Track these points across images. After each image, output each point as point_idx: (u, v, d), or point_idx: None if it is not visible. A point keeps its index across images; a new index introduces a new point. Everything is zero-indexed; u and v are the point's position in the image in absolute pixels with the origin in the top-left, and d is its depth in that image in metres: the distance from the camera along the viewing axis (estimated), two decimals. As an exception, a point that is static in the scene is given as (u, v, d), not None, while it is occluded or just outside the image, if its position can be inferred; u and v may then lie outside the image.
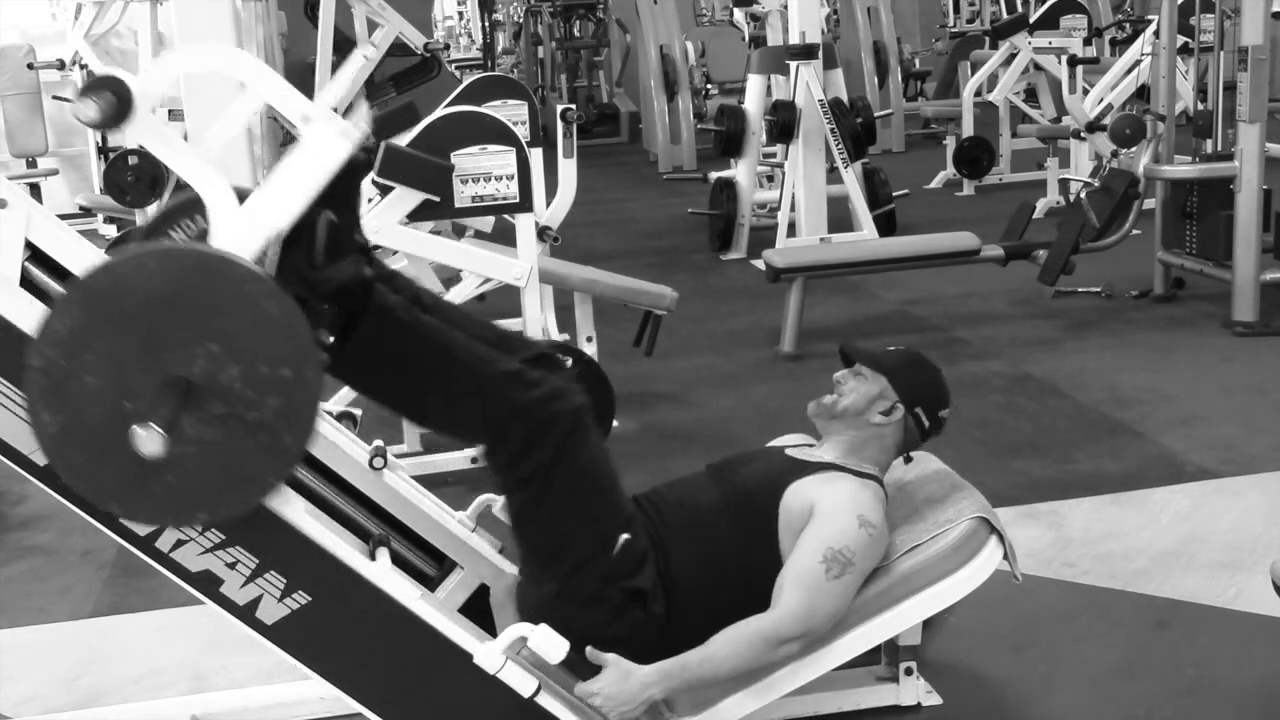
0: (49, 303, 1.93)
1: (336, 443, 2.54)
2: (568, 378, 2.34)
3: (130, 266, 1.80)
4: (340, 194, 2.00)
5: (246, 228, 1.89)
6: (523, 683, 2.13)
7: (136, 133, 1.85)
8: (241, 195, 1.94)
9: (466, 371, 2.20)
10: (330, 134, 1.90)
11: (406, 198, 3.74)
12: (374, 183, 3.79)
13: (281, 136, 7.35)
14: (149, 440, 1.73)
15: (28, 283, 2.03)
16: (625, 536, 2.31)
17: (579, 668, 2.25)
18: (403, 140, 3.87)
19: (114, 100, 1.80)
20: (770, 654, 2.28)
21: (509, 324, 2.95)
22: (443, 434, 2.26)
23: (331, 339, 2.14)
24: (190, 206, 2.14)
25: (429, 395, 2.23)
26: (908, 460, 2.65)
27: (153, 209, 5.75)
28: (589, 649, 2.24)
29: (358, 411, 3.84)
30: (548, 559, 2.31)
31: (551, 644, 2.11)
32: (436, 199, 3.76)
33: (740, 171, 7.67)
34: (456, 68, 15.17)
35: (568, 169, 5.08)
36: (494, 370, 2.22)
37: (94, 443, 1.83)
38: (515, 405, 2.19)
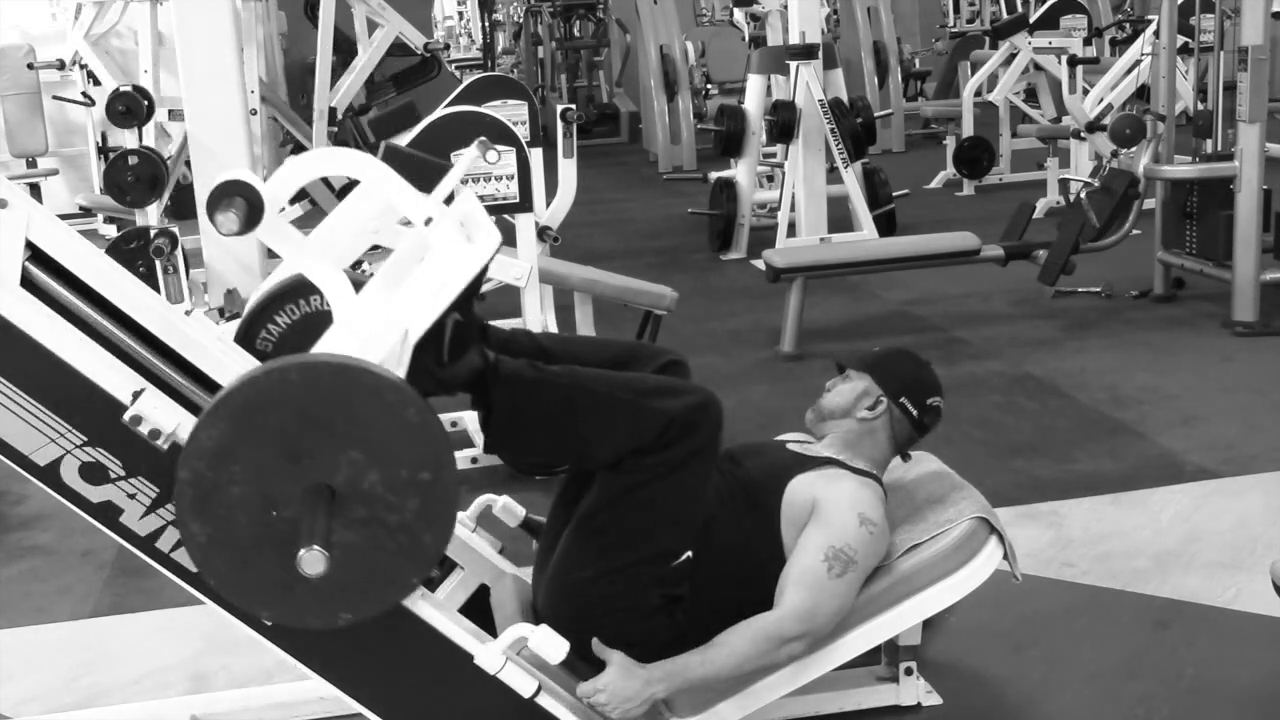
0: (129, 362, 1.96)
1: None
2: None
3: (274, 379, 1.84)
4: (465, 292, 2.03)
5: (379, 334, 1.93)
6: (523, 683, 2.13)
7: (265, 235, 1.90)
8: (356, 284, 1.98)
9: (611, 402, 2.22)
10: (464, 244, 1.96)
11: (407, 198, 3.74)
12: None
13: (281, 137, 7.36)
14: (313, 561, 1.76)
15: (28, 283, 2.03)
16: (689, 555, 2.32)
17: (579, 668, 2.26)
18: (403, 140, 3.87)
19: (246, 207, 1.85)
20: (774, 653, 2.28)
21: (509, 324, 2.96)
22: (610, 466, 2.27)
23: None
24: (292, 293, 2.20)
25: (585, 438, 2.24)
26: (906, 459, 2.66)
27: (153, 209, 5.75)
28: (595, 641, 2.24)
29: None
30: (619, 544, 2.29)
31: (552, 644, 2.11)
32: (436, 198, 3.75)
33: (740, 171, 7.67)
34: (456, 68, 15.16)
35: (568, 169, 5.08)
36: (638, 389, 2.25)
37: (241, 550, 1.87)
38: (667, 414, 2.21)
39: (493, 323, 2.47)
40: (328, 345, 1.93)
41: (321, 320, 2.07)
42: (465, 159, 2.23)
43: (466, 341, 2.19)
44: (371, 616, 1.98)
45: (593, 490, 2.30)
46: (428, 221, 1.98)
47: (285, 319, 2.26)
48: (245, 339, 2.25)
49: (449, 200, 2.16)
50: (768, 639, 2.27)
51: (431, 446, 1.87)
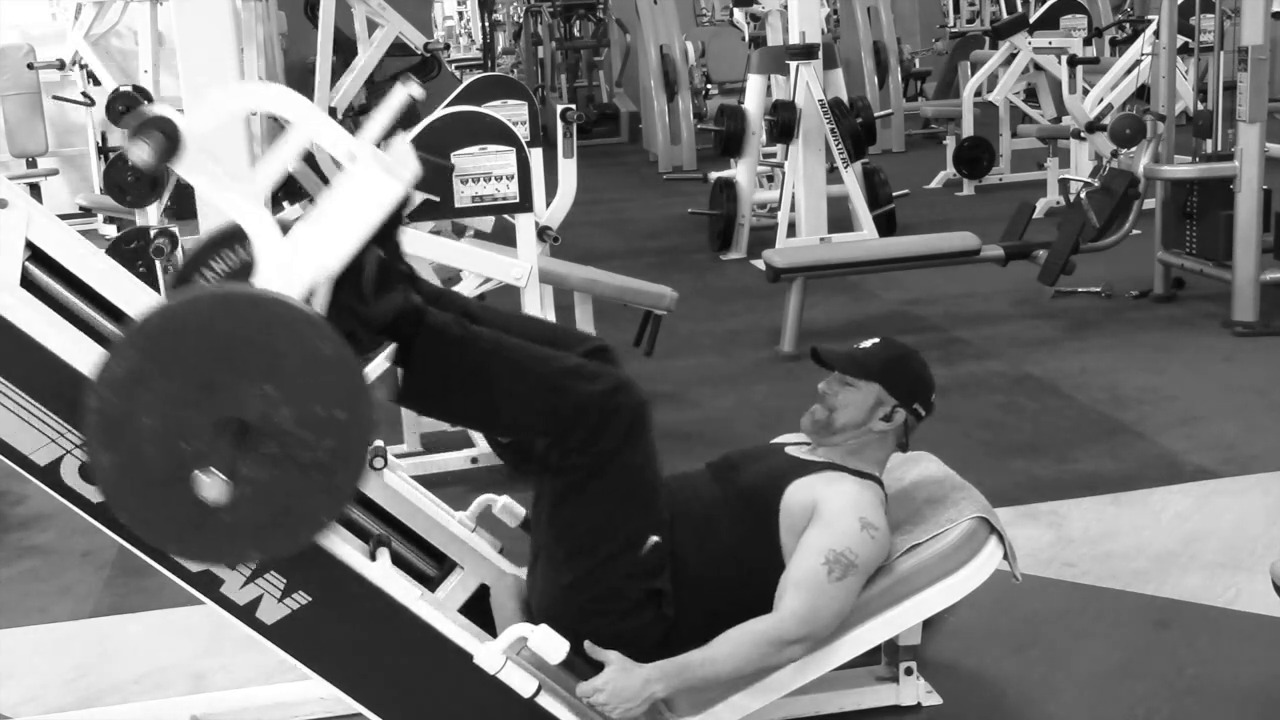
0: (105, 344, 1.94)
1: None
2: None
3: (186, 309, 1.82)
4: (385, 227, 2.01)
5: (296, 267, 1.91)
6: (523, 683, 2.13)
7: (185, 170, 1.87)
8: (283, 227, 1.95)
9: (529, 374, 2.21)
10: (380, 175, 1.92)
11: (407, 198, 3.74)
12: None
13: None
14: (212, 486, 1.75)
15: (28, 283, 2.04)
16: (655, 539, 2.31)
17: (579, 668, 2.26)
18: (402, 140, 3.87)
19: (164, 140, 1.83)
20: (774, 656, 2.28)
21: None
22: (515, 437, 2.27)
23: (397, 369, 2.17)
24: (229, 238, 2.18)
25: (497, 404, 2.23)
26: (904, 450, 2.64)
27: (153, 209, 5.75)
28: (588, 644, 2.23)
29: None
30: (579, 546, 2.29)
31: (552, 644, 2.11)
32: (436, 199, 3.76)
33: (740, 171, 7.67)
34: (456, 68, 15.16)
35: (568, 169, 5.08)
36: (556, 367, 2.23)
37: (151, 484, 1.85)
38: (582, 398, 2.20)
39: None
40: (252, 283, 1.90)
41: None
42: (393, 102, 2.19)
43: (390, 280, 2.14)
44: (281, 555, 1.95)
45: (542, 505, 2.32)
46: (351, 159, 1.95)
47: (222, 265, 2.23)
48: (181, 284, 2.23)
49: (383, 144, 2.13)
50: (767, 641, 2.27)
51: (347, 383, 1.84)
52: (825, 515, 2.35)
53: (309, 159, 5.82)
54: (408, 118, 4.73)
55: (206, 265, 2.20)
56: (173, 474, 1.82)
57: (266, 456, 1.84)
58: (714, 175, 7.91)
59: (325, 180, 6.01)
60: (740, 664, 2.27)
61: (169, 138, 1.82)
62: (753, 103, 7.69)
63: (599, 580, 2.29)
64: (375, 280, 2.09)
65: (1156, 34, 6.21)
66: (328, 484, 1.87)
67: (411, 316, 2.19)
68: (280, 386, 1.81)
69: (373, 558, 2.21)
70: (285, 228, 1.95)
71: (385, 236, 2.07)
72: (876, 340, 2.59)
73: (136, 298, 2.13)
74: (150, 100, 6.06)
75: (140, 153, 1.80)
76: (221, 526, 1.86)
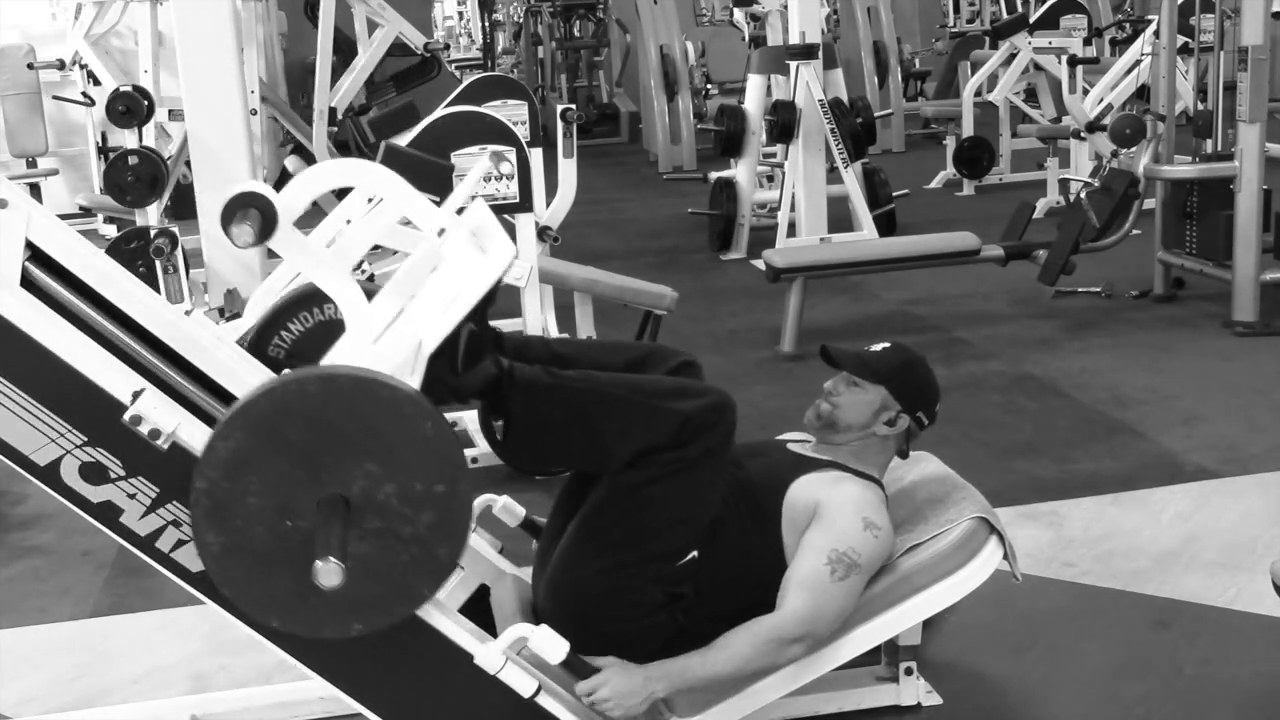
0: (131, 365, 1.97)
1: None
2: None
3: (291, 390, 1.85)
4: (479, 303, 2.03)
5: (393, 345, 1.94)
6: (523, 683, 2.13)
7: (279, 246, 1.90)
8: (369, 293, 1.99)
9: (629, 406, 2.22)
10: (479, 257, 1.97)
11: (407, 198, 3.74)
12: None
13: (281, 137, 7.36)
14: (329, 573, 1.77)
15: (28, 283, 2.03)
16: (695, 554, 2.31)
17: (579, 668, 2.26)
18: (403, 140, 3.87)
19: (260, 219, 1.86)
20: (775, 655, 2.28)
21: (508, 325, 2.95)
22: (629, 468, 2.27)
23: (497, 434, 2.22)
24: (305, 301, 2.22)
25: (603, 442, 2.24)
26: (905, 456, 2.65)
27: (153, 209, 5.75)
28: (580, 657, 2.22)
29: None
30: (625, 539, 2.28)
31: (552, 644, 2.11)
32: (436, 199, 3.75)
33: (740, 171, 7.67)
34: (456, 68, 15.17)
35: (568, 169, 5.08)
36: (652, 391, 2.25)
37: (257, 561, 1.88)
38: (683, 414, 2.21)
39: (501, 326, 2.47)
40: (340, 355, 1.94)
41: (333, 329, 2.08)
42: (475, 173, 2.23)
43: (481, 351, 2.20)
44: (382, 627, 1.99)
45: (600, 487, 2.30)
46: (441, 232, 1.99)
47: (298, 326, 2.27)
48: (257, 346, 2.26)
49: (460, 211, 2.17)
50: (769, 641, 2.27)
51: (446, 459, 1.88)
52: (828, 514, 2.35)
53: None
54: (408, 118, 4.74)
55: (284, 327, 2.25)
56: (277, 551, 1.87)
57: (369, 532, 1.87)
58: (714, 175, 7.91)
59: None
60: (741, 663, 2.27)
61: (266, 217, 1.87)
62: (753, 103, 7.69)
63: (628, 576, 2.28)
64: (467, 352, 2.14)
65: (1156, 34, 6.21)
66: (427, 557, 1.91)
67: (503, 379, 2.22)
68: (382, 464, 1.85)
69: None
70: (369, 294, 1.98)
71: (479, 309, 2.10)
72: (887, 344, 2.59)
73: (138, 300, 2.12)
74: (150, 100, 6.06)
75: (244, 236, 1.84)
76: (325, 600, 1.89)
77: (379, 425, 1.85)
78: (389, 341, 1.94)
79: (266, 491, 1.85)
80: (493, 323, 2.48)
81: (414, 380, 1.92)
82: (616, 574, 2.28)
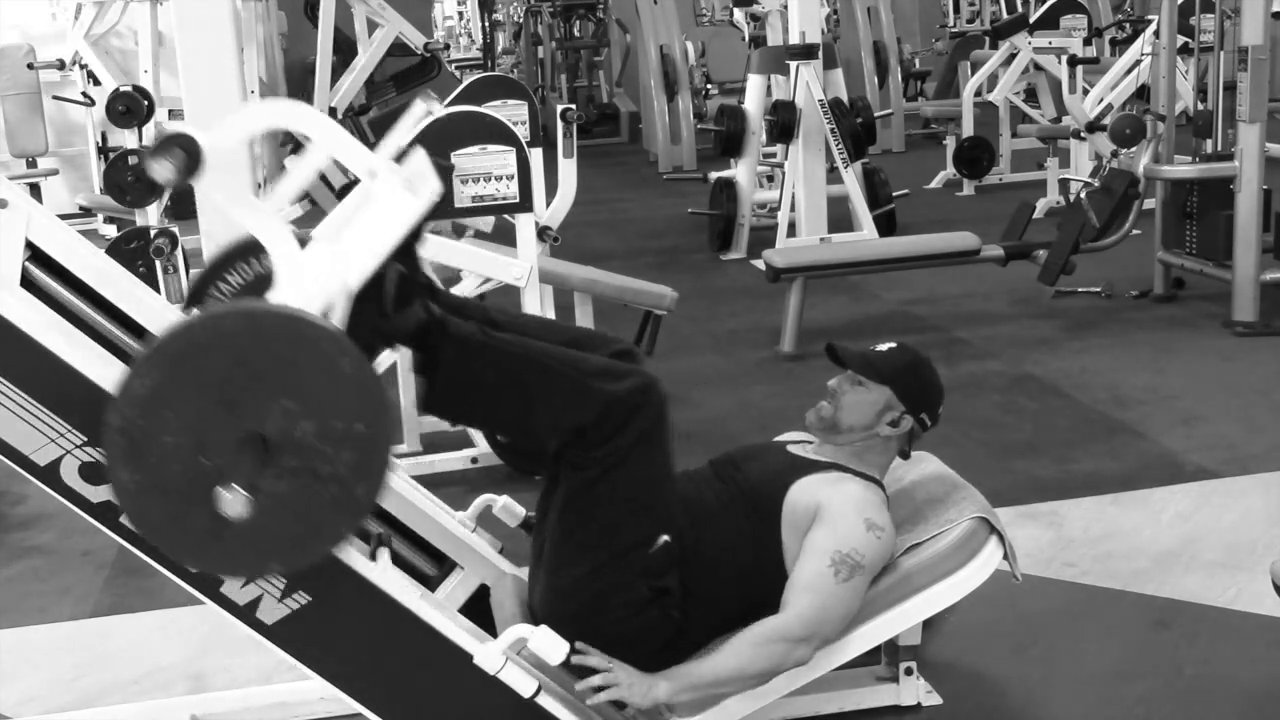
0: (114, 352, 1.94)
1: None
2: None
3: (209, 327, 1.83)
4: (405, 243, 2.02)
5: (316, 283, 1.92)
6: (523, 683, 2.13)
7: (205, 187, 1.88)
8: (301, 241, 1.96)
9: (557, 375, 2.21)
10: (402, 193, 1.94)
11: (406, 198, 3.74)
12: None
13: (281, 136, 7.35)
14: (233, 502, 1.76)
15: (28, 283, 2.04)
16: (666, 538, 2.31)
17: (579, 668, 2.26)
18: (402, 140, 3.86)
19: (185, 157, 1.83)
20: (781, 658, 2.28)
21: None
22: (546, 438, 2.27)
23: (421, 380, 2.19)
24: (244, 251, 2.18)
25: (526, 407, 2.23)
26: (906, 457, 2.64)
27: (153, 209, 5.75)
28: (580, 651, 2.22)
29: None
30: (592, 540, 2.28)
31: (552, 645, 2.11)
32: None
33: (740, 171, 7.67)
34: (456, 68, 15.16)
35: (568, 169, 5.08)
36: (584, 368, 2.23)
37: (172, 499, 1.86)
38: (609, 395, 2.20)
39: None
40: (270, 299, 1.91)
41: (271, 282, 2.05)
42: (413, 116, 2.20)
43: (410, 294, 2.16)
44: (300, 567, 1.96)
45: (557, 495, 2.31)
46: (372, 175, 1.96)
47: (237, 278, 2.24)
48: (194, 298, 2.24)
49: (401, 159, 2.14)
50: (773, 643, 2.26)
51: (367, 398, 1.85)
52: (830, 516, 2.35)
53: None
54: (408, 118, 4.68)
55: (222, 279, 2.22)
56: (194, 489, 1.84)
57: (287, 470, 1.86)
58: (714, 175, 7.91)
59: (327, 182, 6.01)
60: (745, 666, 2.26)
61: (191, 155, 1.84)
62: (753, 103, 7.69)
63: (608, 575, 2.28)
64: (396, 294, 2.11)
65: (1156, 34, 6.21)
66: (347, 497, 1.89)
67: (433, 328, 2.20)
68: (301, 401, 1.83)
69: (373, 557, 2.21)
70: (303, 242, 1.96)
71: (405, 251, 2.08)
72: (893, 345, 2.57)
73: (138, 300, 2.13)
74: (150, 100, 6.06)
75: (163, 170, 1.82)
76: (242, 540, 1.88)
77: (298, 362, 1.82)
78: (314, 281, 1.91)
79: (183, 429, 1.82)
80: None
81: (338, 321, 1.89)
82: (597, 577, 2.28)
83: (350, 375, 1.84)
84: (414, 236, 2.08)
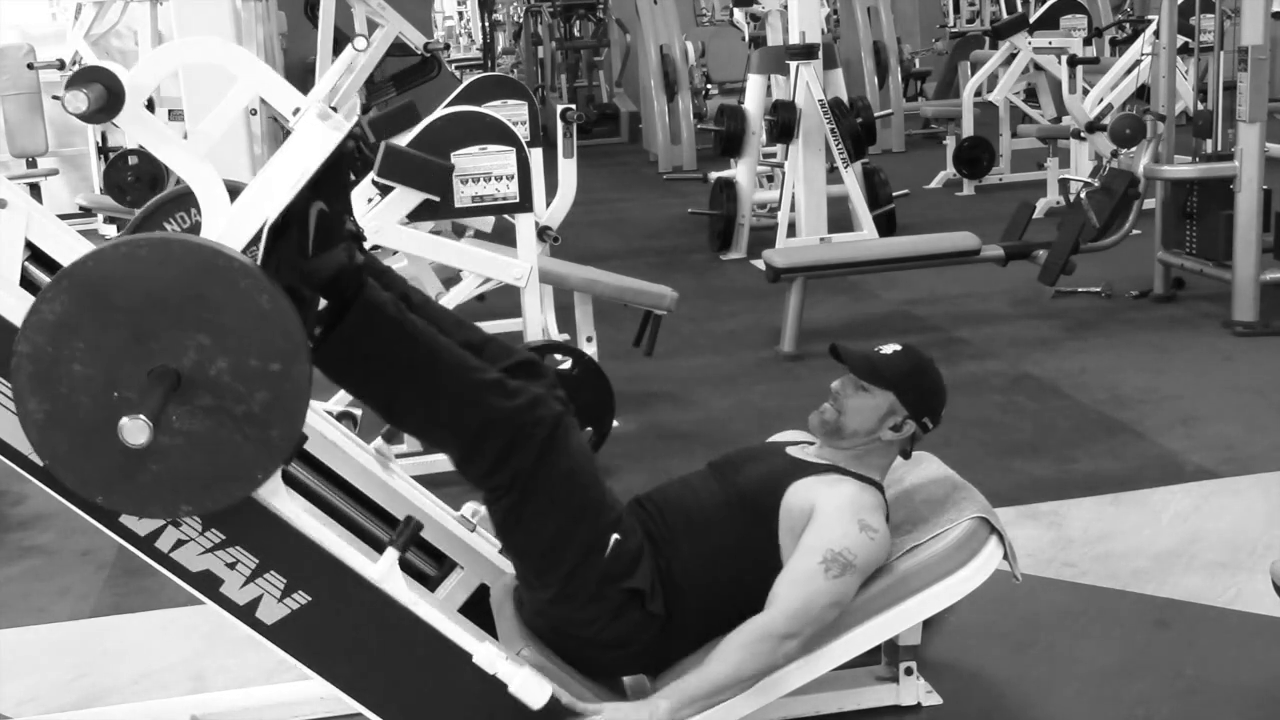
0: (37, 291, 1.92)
1: (336, 443, 2.54)
2: (549, 384, 2.34)
3: (121, 255, 1.79)
4: (331, 183, 1.99)
5: (238, 220, 1.89)
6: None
7: (126, 124, 1.85)
8: (235, 190, 1.94)
9: (448, 375, 2.19)
10: (319, 125, 1.90)
11: (406, 198, 3.74)
12: (374, 183, 3.80)
13: (281, 136, 7.35)
14: (135, 430, 1.72)
15: (28, 283, 2.03)
16: (615, 537, 2.30)
17: (579, 667, 2.26)
18: (403, 140, 3.87)
19: (104, 92, 1.79)
20: (768, 656, 2.27)
21: (509, 325, 2.95)
22: (412, 434, 2.25)
23: (318, 330, 2.14)
24: (182, 200, 2.14)
25: (406, 394, 2.20)
26: (907, 457, 2.64)
27: (153, 209, 5.74)
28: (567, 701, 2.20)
29: (358, 411, 3.83)
30: (540, 565, 2.30)
31: (533, 690, 2.09)
32: (436, 199, 3.75)
33: (740, 171, 7.67)
34: (456, 68, 15.17)
35: (568, 169, 5.08)
36: (475, 378, 2.21)
37: (81, 431, 1.82)
38: (493, 413, 2.18)
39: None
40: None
41: None
42: (341, 62, 2.19)
43: (333, 237, 2.12)
44: (214, 510, 1.93)
45: (495, 524, 2.31)
46: (295, 112, 1.94)
47: (174, 226, 2.21)
48: None
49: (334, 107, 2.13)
50: (759, 642, 2.26)
51: (284, 337, 1.82)
52: (824, 516, 2.34)
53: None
54: (408, 118, 4.74)
55: (158, 225, 2.18)
56: (103, 422, 1.79)
57: (200, 409, 1.81)
58: (714, 175, 7.91)
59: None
60: (737, 667, 2.26)
61: (110, 90, 1.80)
62: (753, 103, 7.68)
63: (574, 592, 2.28)
64: (317, 235, 2.05)
65: (1156, 34, 6.21)
66: (262, 438, 1.85)
67: (352, 278, 2.15)
68: (215, 337, 1.79)
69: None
70: (236, 190, 1.94)
71: (333, 192, 2.03)
72: (898, 348, 2.55)
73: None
74: (150, 100, 6.06)
75: (77, 102, 1.78)
76: (152, 476, 1.83)
77: (213, 296, 1.78)
78: (234, 215, 1.88)
79: (93, 360, 1.78)
80: (495, 324, 2.48)
81: (257, 256, 1.85)
82: (562, 598, 2.29)
83: (268, 312, 1.80)
84: (342, 176, 2.04)
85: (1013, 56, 8.97)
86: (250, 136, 4.16)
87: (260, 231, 1.87)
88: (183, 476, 1.86)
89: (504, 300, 4.62)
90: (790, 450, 2.58)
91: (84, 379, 1.79)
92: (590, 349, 4.57)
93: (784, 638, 2.27)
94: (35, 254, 2.07)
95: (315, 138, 1.91)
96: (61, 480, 1.90)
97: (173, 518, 1.98)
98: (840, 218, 7.15)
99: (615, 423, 4.15)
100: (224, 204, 1.90)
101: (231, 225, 1.89)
